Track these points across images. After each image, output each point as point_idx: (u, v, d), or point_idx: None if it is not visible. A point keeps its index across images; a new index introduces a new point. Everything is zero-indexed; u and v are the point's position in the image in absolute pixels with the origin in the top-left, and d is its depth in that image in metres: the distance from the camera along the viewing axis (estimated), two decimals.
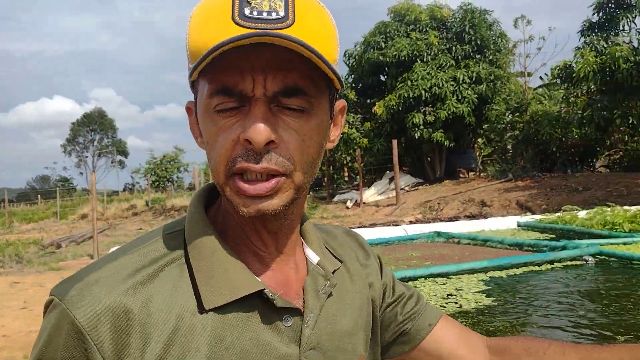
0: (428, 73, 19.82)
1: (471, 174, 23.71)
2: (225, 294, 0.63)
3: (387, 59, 20.76)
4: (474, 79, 20.07)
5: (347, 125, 21.36)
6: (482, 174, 22.81)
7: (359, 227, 13.62)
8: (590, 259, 6.33)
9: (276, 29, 0.58)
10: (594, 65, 15.52)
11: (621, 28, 17.30)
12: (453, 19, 21.54)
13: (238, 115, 0.62)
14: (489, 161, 24.77)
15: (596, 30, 17.62)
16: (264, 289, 0.64)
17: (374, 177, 23.76)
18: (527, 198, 16.33)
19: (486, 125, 21.87)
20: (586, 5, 19.50)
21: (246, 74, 0.60)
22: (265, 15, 0.59)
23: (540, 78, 29.29)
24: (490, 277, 5.96)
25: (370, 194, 21.22)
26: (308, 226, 0.78)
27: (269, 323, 0.65)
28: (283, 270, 0.70)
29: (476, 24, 20.65)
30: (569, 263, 6.31)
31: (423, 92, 19.16)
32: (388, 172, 22.49)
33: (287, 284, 0.70)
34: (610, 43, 16.44)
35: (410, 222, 13.78)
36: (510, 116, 21.27)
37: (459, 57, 20.71)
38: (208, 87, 0.62)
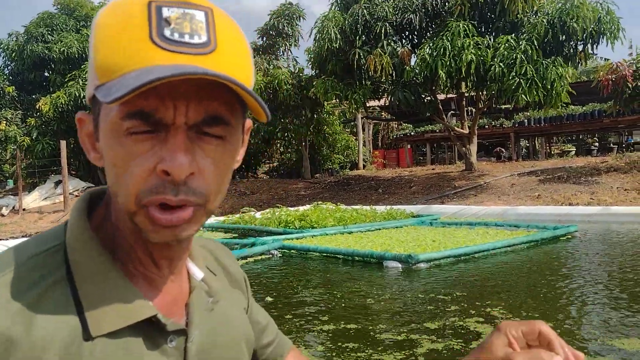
0: None
1: None
2: (116, 321, 0.60)
3: (54, 54, 19.15)
4: None
5: (4, 122, 18.71)
6: None
7: (23, 237, 12.19)
8: (276, 253, 7.28)
9: (199, 55, 0.56)
10: (261, 84, 17.55)
11: (281, 53, 19.97)
12: None
13: (152, 141, 0.57)
14: None
15: (261, 53, 19.90)
16: (157, 315, 0.62)
17: (37, 181, 21.35)
18: None
19: None
20: (252, 29, 21.76)
21: (167, 100, 0.56)
22: (187, 38, 0.56)
23: None
24: None
25: (31, 200, 19.01)
26: (192, 241, 0.74)
27: (156, 346, 0.63)
28: (170, 289, 0.68)
29: None
30: (259, 257, 7.12)
31: None
32: (53, 175, 20.54)
33: (173, 302, 0.68)
34: (273, 66, 18.83)
35: None
36: None
37: None
38: (120, 108, 0.56)
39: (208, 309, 0.71)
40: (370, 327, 3.82)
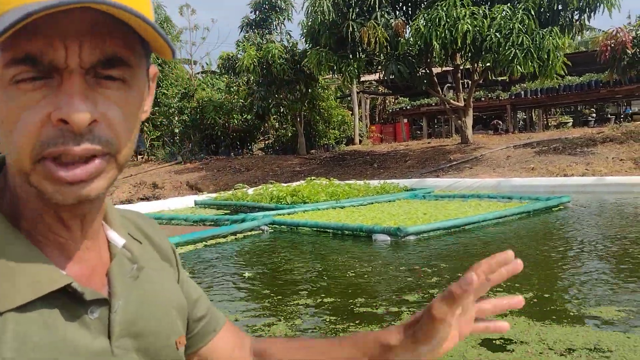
0: None
1: (139, 157, 23.59)
2: (25, 293, 0.54)
3: None
4: None
5: None
6: (151, 157, 22.91)
7: None
8: (266, 228, 7.25)
9: None
10: (255, 59, 17.34)
11: (274, 28, 19.70)
12: None
13: (45, 90, 0.52)
14: (156, 144, 25.03)
15: (254, 27, 19.63)
16: (71, 283, 0.57)
17: None
18: (197, 179, 17.26)
19: (155, 109, 22.00)
20: (245, 2, 21.45)
21: (56, 40, 0.50)
22: None
23: (202, 66, 30.92)
24: (180, 253, 6.25)
25: None
26: (109, 205, 0.69)
27: (75, 318, 0.57)
28: (87, 257, 0.62)
29: None
30: (249, 233, 7.10)
31: None
32: None
33: (92, 272, 0.62)
34: (265, 40, 18.58)
35: None
36: (178, 101, 21.93)
37: None
38: (3, 55, 0.51)
39: (132, 277, 0.66)
40: (350, 301, 3.79)
